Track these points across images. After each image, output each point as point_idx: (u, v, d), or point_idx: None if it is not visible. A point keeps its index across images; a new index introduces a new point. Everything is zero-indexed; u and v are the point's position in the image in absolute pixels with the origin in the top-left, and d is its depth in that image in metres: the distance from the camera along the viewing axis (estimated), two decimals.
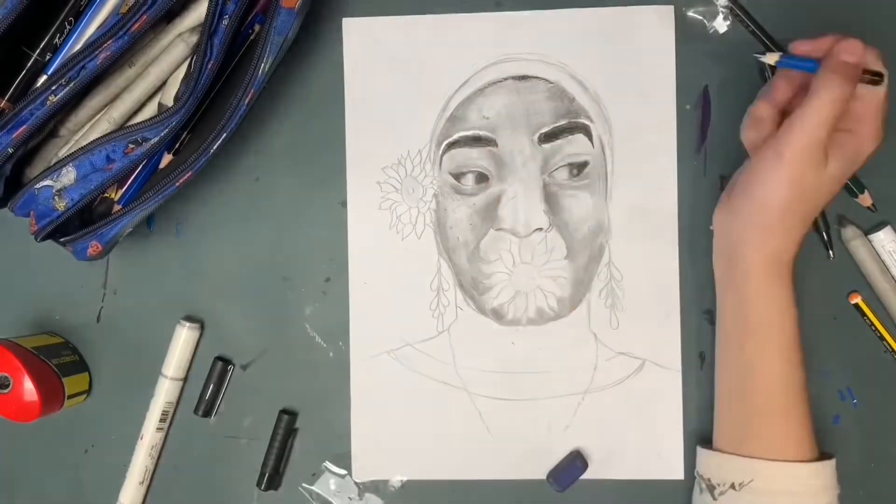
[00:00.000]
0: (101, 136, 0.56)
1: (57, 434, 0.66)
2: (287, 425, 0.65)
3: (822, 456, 0.58)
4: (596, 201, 0.64)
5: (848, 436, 0.63)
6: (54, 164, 0.57)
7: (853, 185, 0.62)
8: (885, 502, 0.63)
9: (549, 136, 0.64)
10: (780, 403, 0.57)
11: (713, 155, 0.64)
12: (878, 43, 0.62)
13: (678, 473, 0.63)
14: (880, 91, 0.54)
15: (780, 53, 0.55)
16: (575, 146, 0.64)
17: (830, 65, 0.53)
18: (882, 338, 0.63)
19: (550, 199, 0.63)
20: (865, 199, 0.63)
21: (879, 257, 0.62)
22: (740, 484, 0.56)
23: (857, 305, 0.63)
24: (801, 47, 0.56)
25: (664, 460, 0.63)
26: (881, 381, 0.63)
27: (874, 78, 0.53)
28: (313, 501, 0.65)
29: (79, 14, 0.57)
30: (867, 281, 0.63)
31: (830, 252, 0.63)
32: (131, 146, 0.56)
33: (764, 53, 0.56)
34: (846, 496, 0.63)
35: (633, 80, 0.64)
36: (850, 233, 0.62)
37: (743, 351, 0.57)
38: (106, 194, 0.61)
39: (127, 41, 0.55)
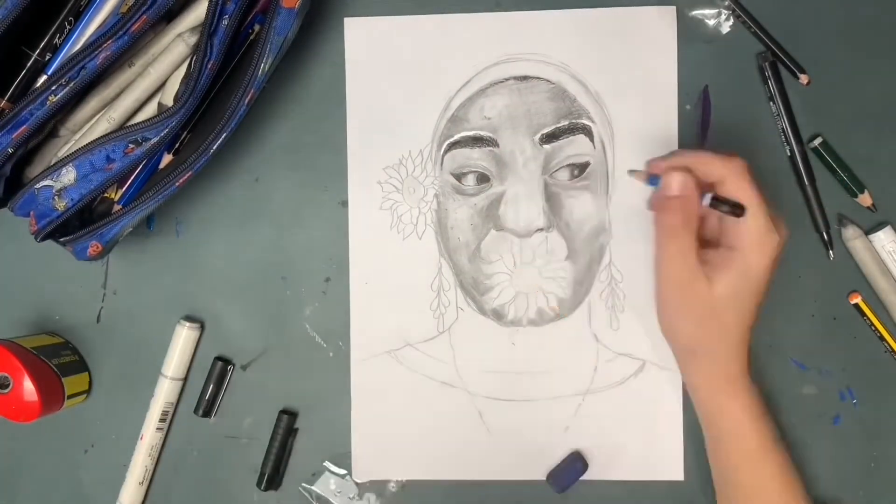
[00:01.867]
0: (101, 136, 0.56)
1: (57, 434, 0.66)
2: (287, 425, 0.65)
3: None
4: (597, 202, 0.64)
5: (848, 436, 0.63)
6: (54, 164, 0.57)
7: (853, 185, 0.62)
8: (885, 502, 0.63)
9: (550, 137, 0.64)
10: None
11: None
12: (879, 42, 0.63)
13: (678, 474, 0.63)
14: (751, 219, 0.53)
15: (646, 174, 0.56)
16: (576, 147, 0.64)
17: (654, 202, 0.55)
18: (882, 338, 0.63)
19: (551, 200, 0.63)
20: (865, 199, 0.63)
21: (879, 257, 0.62)
22: None
23: (857, 305, 0.63)
24: (655, 167, 0.56)
25: (664, 461, 0.63)
26: (881, 381, 0.63)
27: (735, 210, 0.52)
28: (313, 501, 0.65)
29: (79, 14, 0.57)
30: (867, 281, 0.63)
31: (830, 252, 0.63)
32: (131, 146, 0.56)
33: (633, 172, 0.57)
34: (846, 496, 0.63)
35: (635, 81, 0.63)
36: (850, 232, 0.62)
37: (715, 453, 0.59)
38: (106, 194, 0.61)
39: (127, 41, 0.54)
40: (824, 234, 0.63)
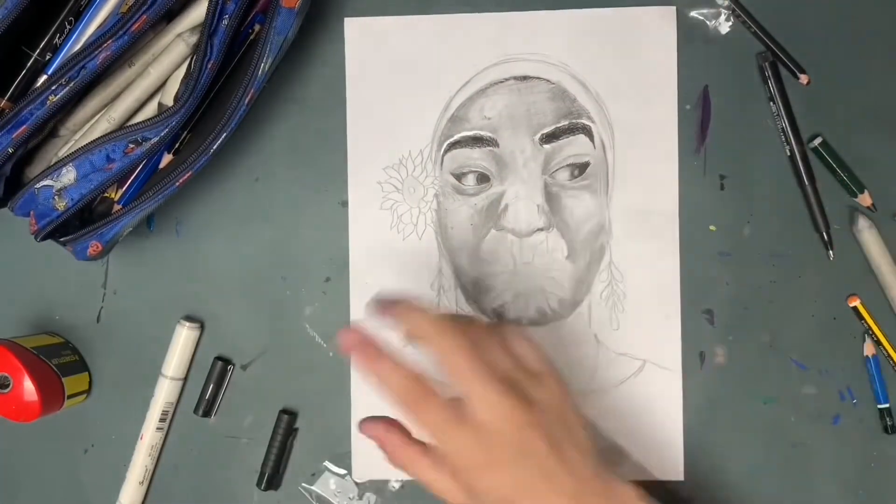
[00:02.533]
0: (101, 136, 0.56)
1: (57, 434, 0.66)
2: (287, 425, 0.65)
3: None
4: (597, 202, 0.64)
5: (848, 436, 0.63)
6: (54, 164, 0.57)
7: (853, 185, 0.62)
8: (885, 502, 0.63)
9: (550, 137, 0.64)
10: None
11: (713, 155, 0.64)
12: (879, 42, 0.63)
13: (678, 474, 0.63)
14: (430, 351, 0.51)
15: None
16: (576, 147, 0.64)
17: None
18: (879, 342, 0.63)
19: (551, 200, 0.63)
20: (865, 199, 0.63)
21: (887, 250, 0.62)
22: None
23: (855, 308, 0.63)
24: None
25: (664, 461, 0.63)
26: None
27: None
28: (313, 501, 0.65)
29: (79, 14, 0.57)
30: (873, 272, 0.62)
31: (830, 252, 0.63)
32: (131, 146, 0.56)
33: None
34: (846, 496, 0.63)
35: (635, 81, 0.63)
36: (862, 222, 0.62)
37: None
38: (106, 194, 0.61)
39: (127, 41, 0.54)
40: (824, 234, 0.63)
